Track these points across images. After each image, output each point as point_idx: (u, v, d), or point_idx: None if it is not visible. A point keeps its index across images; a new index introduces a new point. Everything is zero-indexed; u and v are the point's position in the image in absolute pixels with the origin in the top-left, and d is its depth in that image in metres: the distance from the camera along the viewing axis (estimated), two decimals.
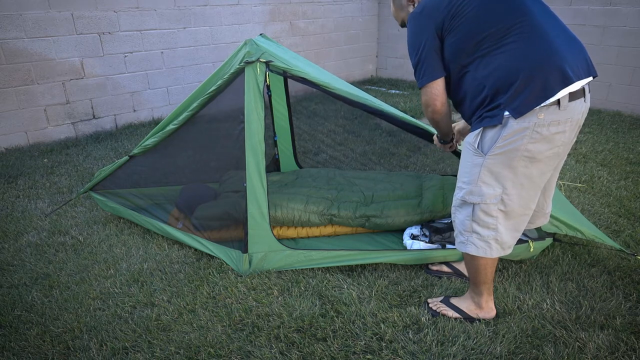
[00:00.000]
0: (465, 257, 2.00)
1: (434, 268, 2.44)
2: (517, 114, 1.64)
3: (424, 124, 2.46)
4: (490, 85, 1.69)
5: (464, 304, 2.11)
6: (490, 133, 1.72)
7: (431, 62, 1.78)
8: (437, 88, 1.80)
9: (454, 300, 2.14)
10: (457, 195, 1.88)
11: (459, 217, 1.91)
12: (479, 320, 2.08)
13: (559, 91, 1.63)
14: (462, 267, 2.40)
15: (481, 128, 1.74)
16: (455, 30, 1.72)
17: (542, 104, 1.63)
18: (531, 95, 1.63)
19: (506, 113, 1.67)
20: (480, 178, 1.77)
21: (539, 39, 1.66)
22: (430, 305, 2.16)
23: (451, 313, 2.10)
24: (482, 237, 1.87)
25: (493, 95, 1.70)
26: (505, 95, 1.66)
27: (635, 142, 4.53)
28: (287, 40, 6.80)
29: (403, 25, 2.05)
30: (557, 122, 1.67)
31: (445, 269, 2.42)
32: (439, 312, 2.11)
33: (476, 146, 1.76)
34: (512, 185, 1.76)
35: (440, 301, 2.16)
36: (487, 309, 2.08)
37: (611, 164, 3.96)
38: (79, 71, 4.93)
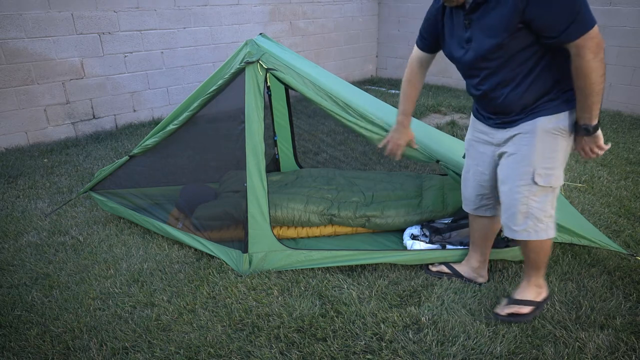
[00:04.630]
0: (534, 244, 1.96)
1: (434, 269, 2.44)
2: None
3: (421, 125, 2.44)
4: None
5: (530, 294, 2.09)
6: (573, 115, 1.77)
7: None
8: None
9: (517, 296, 2.10)
10: (542, 182, 1.83)
11: (537, 205, 1.87)
12: (544, 301, 2.10)
13: None
14: (461, 268, 2.40)
15: (568, 110, 1.77)
16: None
17: None
18: None
19: None
20: (564, 161, 1.84)
21: None
22: (497, 312, 2.10)
23: (525, 309, 2.06)
24: (554, 219, 1.94)
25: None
26: None
27: (635, 142, 4.53)
28: (287, 40, 6.80)
29: None
30: None
31: (445, 269, 2.42)
32: (512, 314, 2.05)
33: (568, 129, 1.78)
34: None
35: (507, 304, 2.10)
36: (544, 286, 2.13)
37: (611, 164, 3.96)
38: (79, 71, 4.93)
